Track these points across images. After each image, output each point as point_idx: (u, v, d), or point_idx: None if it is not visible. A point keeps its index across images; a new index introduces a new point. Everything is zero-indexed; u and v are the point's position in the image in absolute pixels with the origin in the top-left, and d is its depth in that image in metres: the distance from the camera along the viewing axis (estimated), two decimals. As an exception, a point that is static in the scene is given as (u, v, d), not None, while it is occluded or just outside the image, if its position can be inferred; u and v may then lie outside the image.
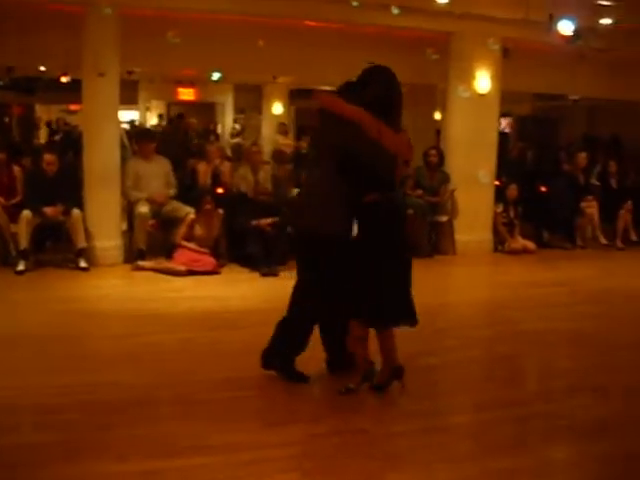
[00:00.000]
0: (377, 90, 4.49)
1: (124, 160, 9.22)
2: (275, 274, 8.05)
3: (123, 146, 11.06)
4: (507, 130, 18.80)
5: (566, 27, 8.36)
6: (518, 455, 3.84)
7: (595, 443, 4.01)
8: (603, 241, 11.04)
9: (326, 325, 4.83)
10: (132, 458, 3.62)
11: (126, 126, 17.67)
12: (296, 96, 19.64)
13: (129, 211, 8.80)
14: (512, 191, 10.27)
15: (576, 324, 6.58)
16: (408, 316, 4.48)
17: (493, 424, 4.25)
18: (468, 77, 9.74)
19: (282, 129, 17.30)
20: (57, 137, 18.97)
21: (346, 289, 4.48)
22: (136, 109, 21.54)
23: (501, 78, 9.91)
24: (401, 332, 4.62)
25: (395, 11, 8.34)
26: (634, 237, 11.21)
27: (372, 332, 4.57)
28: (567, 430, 4.20)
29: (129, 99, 17.96)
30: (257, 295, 7.34)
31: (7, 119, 20.55)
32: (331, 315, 4.72)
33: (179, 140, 14.89)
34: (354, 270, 4.45)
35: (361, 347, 4.55)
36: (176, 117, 19.62)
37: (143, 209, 8.44)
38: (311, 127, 19.76)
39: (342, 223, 4.52)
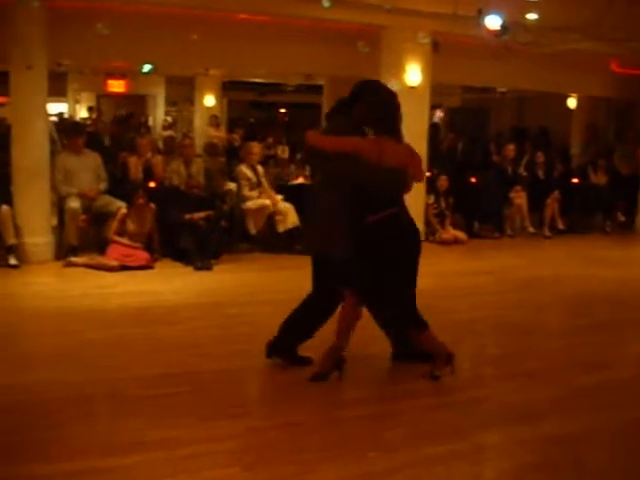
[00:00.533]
0: (371, 105, 4.56)
1: (53, 154, 9.05)
2: (209, 268, 8.04)
3: (53, 140, 10.85)
4: (438, 121, 19.05)
5: (494, 22, 8.54)
6: (451, 441, 3.92)
7: (525, 427, 4.13)
8: (531, 230, 11.33)
9: (382, 320, 5.03)
10: (70, 457, 3.59)
11: (55, 119, 17.27)
12: (228, 88, 19.54)
13: (59, 206, 8.65)
14: (443, 182, 10.45)
15: (505, 312, 6.75)
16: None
17: (426, 411, 4.34)
18: (399, 70, 9.85)
19: (214, 121, 17.20)
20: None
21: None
22: (65, 102, 21.09)
23: (431, 71, 10.04)
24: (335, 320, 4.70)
25: (326, 4, 8.37)
26: (561, 226, 11.54)
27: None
28: (498, 415, 4.33)
29: (58, 91, 17.58)
30: (191, 289, 7.31)
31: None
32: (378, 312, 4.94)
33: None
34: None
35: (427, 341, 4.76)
36: (126, 116, 19.38)
37: (74, 204, 8.31)
38: (243, 119, 19.80)
39: (349, 244, 4.59)
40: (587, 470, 3.70)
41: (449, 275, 8.33)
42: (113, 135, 16.15)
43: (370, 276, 4.54)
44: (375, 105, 4.57)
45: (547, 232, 11.29)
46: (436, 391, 4.68)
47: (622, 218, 12.24)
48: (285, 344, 4.91)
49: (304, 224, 5.24)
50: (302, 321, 4.90)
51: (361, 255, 4.55)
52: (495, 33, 8.68)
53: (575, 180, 12.08)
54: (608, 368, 5.34)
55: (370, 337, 5.18)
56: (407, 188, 4.63)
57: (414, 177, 4.71)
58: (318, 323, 4.88)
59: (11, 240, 7.90)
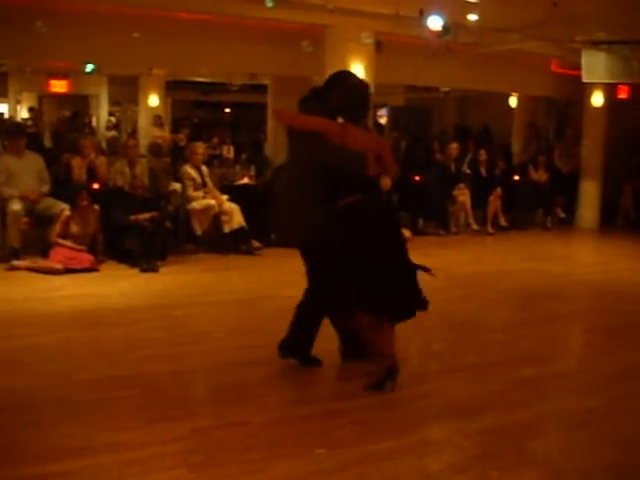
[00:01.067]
0: (343, 95, 4.62)
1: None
2: (155, 269, 7.99)
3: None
4: (382, 121, 19.21)
5: (435, 22, 8.66)
6: (399, 436, 3.98)
7: (470, 420, 4.21)
8: (475, 227, 11.53)
9: (333, 315, 4.99)
10: (14, 464, 3.54)
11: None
12: (172, 88, 19.41)
13: (1, 209, 8.50)
14: (386, 181, 10.52)
15: (449, 307, 6.84)
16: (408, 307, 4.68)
17: (373, 408, 4.39)
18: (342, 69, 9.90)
19: (157, 121, 17.08)
20: None
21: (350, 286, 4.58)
22: (6, 102, 20.69)
23: (374, 71, 10.12)
24: (281, 322, 4.74)
25: (269, 4, 8.38)
26: (503, 222, 11.77)
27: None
28: (444, 410, 4.40)
29: None
30: (137, 291, 7.26)
31: None
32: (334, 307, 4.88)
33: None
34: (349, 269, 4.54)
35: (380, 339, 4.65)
36: (71, 116, 19.10)
37: (16, 207, 8.18)
38: (187, 119, 19.67)
39: (327, 230, 4.57)
40: (530, 459, 3.79)
41: (394, 272, 8.41)
42: (56, 136, 15.91)
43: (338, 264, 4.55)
44: (345, 94, 4.64)
45: (490, 229, 11.50)
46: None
47: (562, 214, 12.55)
48: (296, 343, 4.95)
49: (273, 212, 5.25)
50: (306, 316, 4.93)
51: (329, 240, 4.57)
52: (437, 34, 8.80)
53: (516, 177, 12.33)
54: (548, 360, 5.48)
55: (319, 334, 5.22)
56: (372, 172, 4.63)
57: (386, 168, 4.79)
58: (320, 314, 4.93)
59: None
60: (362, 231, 4.49)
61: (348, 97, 4.63)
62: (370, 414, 4.32)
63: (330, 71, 9.58)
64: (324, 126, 4.52)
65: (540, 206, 12.41)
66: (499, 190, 11.67)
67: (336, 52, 9.88)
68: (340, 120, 4.62)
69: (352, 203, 4.48)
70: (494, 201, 11.62)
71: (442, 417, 4.30)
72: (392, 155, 4.97)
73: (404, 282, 4.64)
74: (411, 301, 4.68)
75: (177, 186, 9.56)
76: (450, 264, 9.05)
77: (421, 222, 11.22)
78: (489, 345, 5.89)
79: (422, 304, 4.72)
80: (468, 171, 12.00)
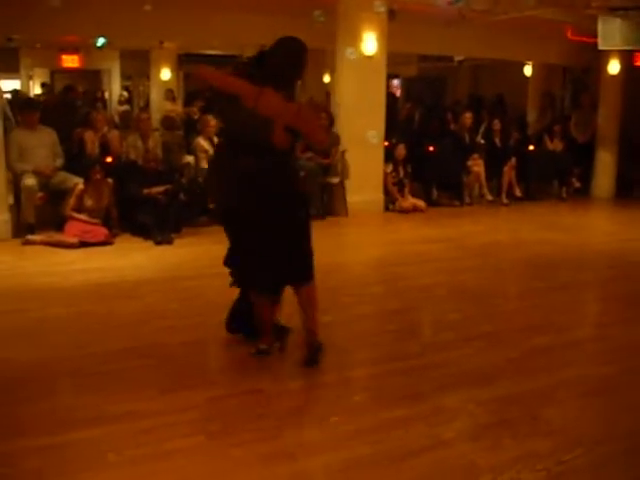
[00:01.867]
0: (274, 61, 4.49)
1: (7, 131, 8.89)
2: (169, 242, 8.02)
3: (6, 117, 10.66)
4: (394, 91, 19.07)
5: (448, -11, 8.57)
6: (411, 405, 3.99)
7: (483, 388, 4.22)
8: (489, 197, 11.45)
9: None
10: (28, 434, 3.58)
11: (8, 96, 16.95)
12: (184, 61, 19.32)
13: (15, 184, 8.53)
14: (400, 151, 10.50)
15: (462, 277, 6.84)
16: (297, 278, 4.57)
17: (387, 376, 4.41)
18: (355, 39, 9.84)
19: (169, 95, 17.03)
20: None
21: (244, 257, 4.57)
22: (18, 78, 20.69)
23: (387, 40, 10.05)
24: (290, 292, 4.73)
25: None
26: (518, 193, 11.67)
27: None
28: (458, 378, 4.40)
29: (10, 67, 17.26)
30: (151, 264, 7.28)
31: None
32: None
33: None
34: (248, 237, 4.50)
35: (266, 312, 4.64)
36: (64, 90, 19.00)
37: (30, 182, 8.20)
38: (200, 91, 19.60)
39: (232, 193, 4.51)
40: (544, 427, 3.79)
41: (408, 243, 8.42)
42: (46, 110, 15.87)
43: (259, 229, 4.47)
44: (276, 60, 4.49)
45: (505, 199, 11.42)
46: (395, 357, 4.74)
47: (577, 184, 12.44)
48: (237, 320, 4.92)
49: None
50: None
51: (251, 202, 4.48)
52: (450, 1, 8.70)
53: (531, 147, 12.21)
54: (563, 329, 5.46)
55: (327, 304, 5.23)
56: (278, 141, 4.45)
57: (308, 139, 4.75)
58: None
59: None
60: (250, 196, 4.42)
61: (278, 64, 4.48)
62: (383, 382, 4.34)
63: (342, 41, 9.76)
64: (239, 88, 4.40)
65: (555, 176, 12.30)
66: (514, 160, 11.57)
67: (348, 21, 9.82)
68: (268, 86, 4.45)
69: (242, 167, 4.39)
70: (508, 171, 11.53)
71: (455, 385, 4.29)
72: (317, 127, 4.81)
73: (285, 254, 4.51)
74: (287, 274, 4.58)
75: (190, 159, 9.55)
76: (464, 234, 9.02)
77: (435, 192, 11.17)
78: (504, 314, 5.89)
79: (303, 278, 4.60)
80: (482, 141, 11.90)
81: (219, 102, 4.60)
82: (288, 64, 4.48)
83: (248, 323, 4.80)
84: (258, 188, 4.37)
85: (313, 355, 4.56)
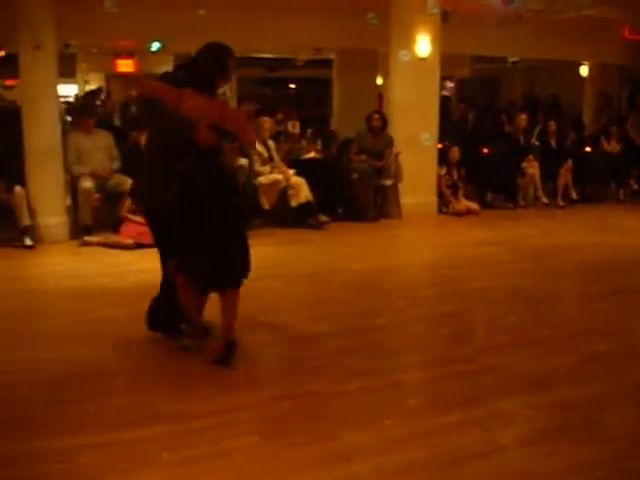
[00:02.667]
0: (196, 65, 4.61)
1: (65, 135, 9.07)
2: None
3: (64, 121, 10.88)
4: (447, 93, 18.94)
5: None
6: (466, 409, 3.95)
7: (540, 393, 4.16)
8: (544, 200, 11.27)
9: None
10: (84, 432, 3.63)
11: (71, 100, 17.31)
12: (237, 65, 19.44)
13: (73, 186, 8.69)
14: (454, 153, 10.41)
15: (518, 280, 6.75)
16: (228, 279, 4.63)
17: (441, 380, 4.37)
18: (408, 41, 9.80)
19: (222, 99, 17.16)
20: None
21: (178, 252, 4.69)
22: (74, 83, 21.08)
23: (441, 41, 9.98)
24: (349, 295, 4.71)
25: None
26: (574, 195, 11.47)
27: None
28: (513, 383, 4.34)
29: (67, 72, 17.56)
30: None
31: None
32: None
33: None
34: (179, 235, 4.61)
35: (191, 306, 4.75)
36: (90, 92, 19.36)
37: (87, 184, 8.34)
38: (254, 95, 19.74)
39: (164, 191, 4.57)
40: (603, 433, 3.71)
41: (462, 245, 8.34)
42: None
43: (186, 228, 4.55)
44: (199, 64, 4.60)
45: (560, 202, 11.23)
46: (449, 361, 4.70)
47: (635, 186, 12.17)
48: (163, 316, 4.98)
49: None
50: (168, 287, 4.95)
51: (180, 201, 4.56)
52: (506, 1, 8.60)
53: (588, 149, 12.00)
54: (622, 334, 5.34)
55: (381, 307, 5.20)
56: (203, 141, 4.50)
57: (238, 137, 4.83)
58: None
59: (26, 221, 7.95)
60: (186, 197, 4.47)
61: (200, 67, 4.58)
62: (437, 386, 4.31)
63: (395, 43, 9.72)
64: (160, 92, 4.50)
65: (612, 178, 12.06)
66: (570, 162, 11.37)
67: (402, 23, 9.77)
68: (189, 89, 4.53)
69: (181, 169, 4.46)
70: (564, 173, 11.34)
71: (511, 390, 4.23)
72: (244, 124, 4.86)
73: (220, 252, 4.54)
74: (223, 273, 4.61)
75: (244, 161, 9.60)
76: (519, 237, 8.91)
77: (489, 195, 11.04)
78: (560, 318, 5.79)
79: (228, 284, 4.65)
80: (537, 143, 11.73)
81: (147, 108, 4.74)
82: (209, 66, 4.57)
83: (168, 321, 4.90)
84: (194, 189, 4.46)
85: (228, 352, 4.57)
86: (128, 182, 8.40)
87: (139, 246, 7.85)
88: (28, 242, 7.90)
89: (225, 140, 4.70)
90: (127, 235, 7.99)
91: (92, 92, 17.66)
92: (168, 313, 4.88)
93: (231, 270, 4.61)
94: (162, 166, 4.57)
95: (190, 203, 4.47)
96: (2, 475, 3.25)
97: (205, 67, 4.56)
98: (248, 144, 4.89)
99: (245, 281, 4.65)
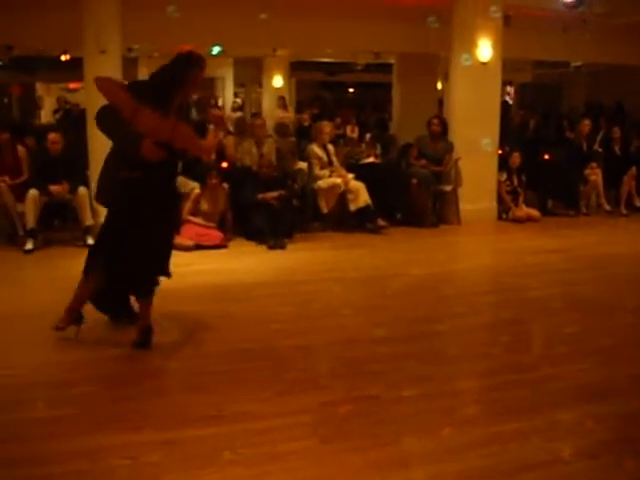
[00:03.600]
0: (154, 78, 4.76)
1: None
2: (282, 247, 8.12)
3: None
4: (507, 98, 18.73)
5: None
6: (526, 418, 3.89)
7: (602, 404, 4.08)
8: (607, 208, 11.07)
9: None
10: (147, 429, 3.69)
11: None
12: (296, 69, 19.57)
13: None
14: (515, 159, 10.29)
15: (579, 289, 6.64)
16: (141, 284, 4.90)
17: (501, 388, 4.32)
18: (470, 45, 9.73)
19: (281, 103, 17.30)
20: (57, 116, 18.93)
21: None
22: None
23: (502, 46, 9.89)
24: (408, 300, 4.70)
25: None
26: (638, 203, 11.24)
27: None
28: (574, 393, 4.27)
29: (130, 77, 17.85)
30: (264, 268, 7.40)
31: (6, 99, 20.49)
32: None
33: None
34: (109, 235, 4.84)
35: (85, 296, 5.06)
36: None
37: (148, 185, 8.47)
38: (315, 99, 19.85)
39: (108, 192, 4.84)
40: (667, 447, 3.63)
41: (522, 253, 8.24)
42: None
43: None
44: (154, 77, 4.76)
45: (624, 210, 11.01)
46: (508, 369, 4.65)
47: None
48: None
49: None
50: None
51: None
52: (570, 4, 8.49)
53: (653, 156, 11.73)
54: (689, 346, 5.22)
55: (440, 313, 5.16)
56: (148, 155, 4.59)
57: (194, 152, 5.06)
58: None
59: (88, 221, 8.12)
60: (123, 203, 4.70)
61: (155, 80, 4.73)
62: (496, 394, 4.26)
63: (457, 47, 9.66)
64: (120, 101, 4.56)
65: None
66: (634, 169, 11.13)
67: (463, 27, 9.71)
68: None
69: (122, 177, 4.64)
70: (628, 181, 11.11)
71: (572, 400, 4.17)
72: (194, 142, 4.83)
73: (138, 257, 4.77)
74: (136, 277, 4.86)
75: (303, 165, 9.66)
76: (581, 245, 8.77)
77: (550, 202, 10.89)
78: (623, 328, 5.68)
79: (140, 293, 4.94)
80: (600, 149, 11.53)
81: (104, 112, 4.72)
82: (163, 80, 4.64)
83: (114, 305, 5.23)
84: (131, 198, 4.66)
85: (144, 337, 4.79)
86: (189, 184, 8.55)
87: (199, 247, 7.97)
88: (90, 241, 8.03)
89: (176, 157, 4.82)
90: (187, 237, 8.09)
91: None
92: (112, 298, 5.20)
93: (144, 279, 4.86)
94: (112, 169, 4.77)
95: (127, 209, 4.70)
96: (66, 470, 3.32)
97: (159, 81, 4.67)
98: (206, 159, 5.09)
99: (156, 289, 4.94)
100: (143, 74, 21.23)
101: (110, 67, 8.34)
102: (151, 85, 4.74)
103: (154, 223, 4.75)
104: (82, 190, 8.11)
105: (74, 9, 8.18)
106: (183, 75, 4.65)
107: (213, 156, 9.43)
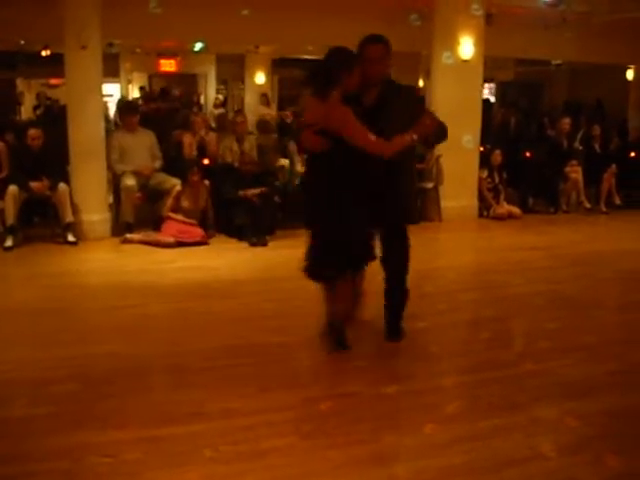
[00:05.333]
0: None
1: (108, 133, 9.19)
2: (264, 244, 8.10)
3: (107, 120, 11.02)
4: (489, 96, 18.79)
5: (550, -8, 8.40)
6: (507, 415, 3.91)
7: (583, 400, 4.10)
8: (587, 205, 11.13)
9: None
10: (129, 426, 3.68)
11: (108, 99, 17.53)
12: (279, 65, 19.54)
13: (115, 184, 8.80)
14: (496, 157, 10.32)
15: (560, 286, 6.67)
16: None
17: (482, 385, 4.33)
18: (452, 43, 9.73)
19: (264, 99, 17.27)
20: (38, 112, 18.80)
21: None
22: (118, 82, 21.35)
23: (484, 44, 9.91)
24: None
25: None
26: (618, 201, 11.30)
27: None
28: (555, 389, 4.29)
29: (111, 72, 17.79)
30: (246, 265, 7.39)
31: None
32: None
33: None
34: None
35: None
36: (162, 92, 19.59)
37: (129, 182, 8.44)
38: (295, 96, 19.82)
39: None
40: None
41: (504, 250, 8.27)
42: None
43: None
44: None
45: (603, 207, 11.08)
46: (490, 366, 4.66)
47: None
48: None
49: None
50: None
51: None
52: (551, 3, 8.52)
53: (632, 154, 11.81)
54: (668, 343, 5.25)
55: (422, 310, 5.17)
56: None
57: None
58: None
59: (69, 218, 8.07)
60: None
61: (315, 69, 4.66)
62: (477, 391, 4.26)
63: (438, 45, 9.68)
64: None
65: (658, 184, 11.86)
66: (613, 167, 11.20)
67: (445, 25, 9.71)
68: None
69: None
70: (608, 178, 11.17)
71: (553, 396, 4.18)
72: (352, 128, 4.42)
73: None
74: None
75: (285, 162, 9.64)
76: (562, 243, 8.81)
77: (531, 199, 10.93)
78: (605, 325, 5.71)
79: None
80: (581, 147, 11.59)
81: None
82: (322, 67, 4.55)
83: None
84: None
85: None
86: (170, 181, 8.51)
87: (180, 244, 7.94)
88: (71, 238, 8.02)
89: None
90: (168, 233, 8.06)
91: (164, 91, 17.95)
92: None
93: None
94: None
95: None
96: (46, 468, 3.30)
97: (318, 67, 4.61)
98: (360, 146, 4.57)
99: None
100: (126, 70, 21.18)
101: (91, 62, 8.28)
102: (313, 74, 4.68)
103: None
104: (62, 187, 8.04)
105: (55, 4, 8.11)
106: (331, 62, 4.51)
107: (195, 152, 9.43)
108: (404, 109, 4.66)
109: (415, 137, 4.49)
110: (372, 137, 4.38)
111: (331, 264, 4.64)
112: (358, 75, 4.48)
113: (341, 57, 4.49)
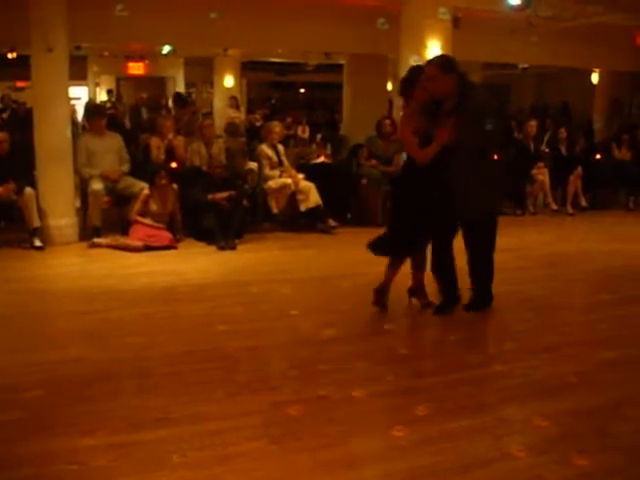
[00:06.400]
0: None
1: (75, 137, 9.10)
2: (232, 248, 8.08)
3: (74, 123, 10.92)
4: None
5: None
6: (475, 415, 3.93)
7: (549, 401, 4.14)
8: (554, 207, 11.26)
9: None
10: (98, 433, 3.63)
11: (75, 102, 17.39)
12: (248, 69, 19.52)
13: (83, 188, 8.72)
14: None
15: (528, 287, 6.74)
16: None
17: (450, 386, 4.35)
18: (419, 47, 9.76)
19: (233, 102, 17.23)
20: (4, 115, 18.57)
21: None
22: (85, 85, 21.19)
23: (452, 47, 9.96)
24: (358, 300, 4.71)
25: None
26: (584, 203, 11.45)
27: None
28: (523, 390, 4.31)
29: (78, 75, 17.66)
30: (215, 269, 7.36)
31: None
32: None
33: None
34: None
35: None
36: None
37: (97, 186, 8.37)
38: (265, 100, 19.83)
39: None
40: (614, 443, 3.67)
41: (471, 252, 8.29)
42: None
43: None
44: None
45: (570, 209, 11.22)
46: (458, 367, 4.68)
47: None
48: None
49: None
50: None
51: None
52: (517, 7, 8.60)
53: (598, 156, 11.97)
54: (633, 344, 5.29)
55: (389, 313, 5.18)
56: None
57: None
58: None
59: (35, 222, 7.97)
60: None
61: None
62: (445, 392, 4.28)
63: (406, 49, 9.71)
64: None
65: (623, 186, 12.03)
66: (579, 169, 11.35)
67: (412, 29, 9.76)
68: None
69: None
70: (574, 180, 11.31)
71: (521, 397, 4.21)
72: (406, 139, 5.59)
73: None
74: None
75: (254, 165, 9.62)
76: (529, 244, 8.89)
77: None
78: (570, 326, 5.76)
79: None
80: (547, 150, 11.71)
81: None
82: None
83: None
84: None
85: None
86: (138, 185, 8.45)
87: (148, 249, 7.89)
88: (37, 243, 7.93)
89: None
90: (136, 237, 8.01)
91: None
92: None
93: None
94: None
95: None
96: (12, 476, 3.25)
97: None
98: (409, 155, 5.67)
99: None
100: (93, 73, 21.02)
101: (57, 65, 8.21)
102: None
103: None
104: (29, 191, 7.94)
105: (21, 6, 8.01)
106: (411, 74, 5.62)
107: (163, 156, 9.38)
108: (475, 116, 5.40)
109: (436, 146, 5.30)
110: (414, 146, 5.40)
111: (406, 245, 5.66)
112: (422, 89, 5.35)
113: (407, 75, 5.61)
